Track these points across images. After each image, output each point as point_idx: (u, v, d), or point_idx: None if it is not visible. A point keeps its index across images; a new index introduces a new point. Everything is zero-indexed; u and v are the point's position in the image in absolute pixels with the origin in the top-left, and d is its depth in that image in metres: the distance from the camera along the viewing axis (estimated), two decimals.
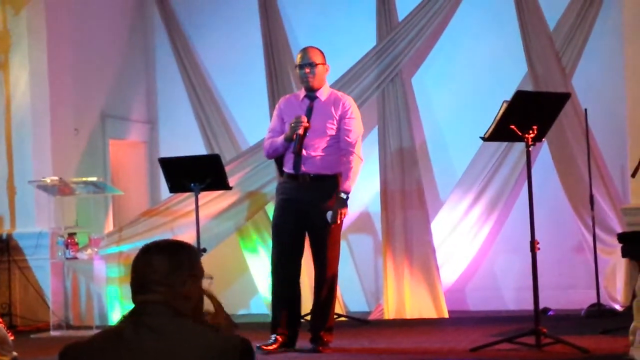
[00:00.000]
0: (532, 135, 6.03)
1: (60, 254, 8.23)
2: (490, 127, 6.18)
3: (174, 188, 8.08)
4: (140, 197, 9.89)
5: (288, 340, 6.21)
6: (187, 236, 8.13)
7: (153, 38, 10.18)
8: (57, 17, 9.13)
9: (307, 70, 6.20)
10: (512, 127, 6.00)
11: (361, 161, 6.25)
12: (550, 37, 8.60)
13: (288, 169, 6.25)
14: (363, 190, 9.13)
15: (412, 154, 8.74)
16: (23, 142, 8.98)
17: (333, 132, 6.17)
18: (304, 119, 6.16)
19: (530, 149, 6.09)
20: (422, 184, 8.68)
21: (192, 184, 7.84)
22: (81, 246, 8.32)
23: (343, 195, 6.08)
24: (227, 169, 8.13)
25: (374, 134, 8.99)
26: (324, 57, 6.34)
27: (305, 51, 6.33)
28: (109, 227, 9.30)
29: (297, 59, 6.37)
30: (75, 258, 8.21)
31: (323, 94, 6.27)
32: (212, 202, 8.72)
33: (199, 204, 7.91)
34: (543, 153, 8.44)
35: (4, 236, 8.86)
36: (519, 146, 7.95)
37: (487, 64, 8.91)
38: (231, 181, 8.18)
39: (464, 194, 8.68)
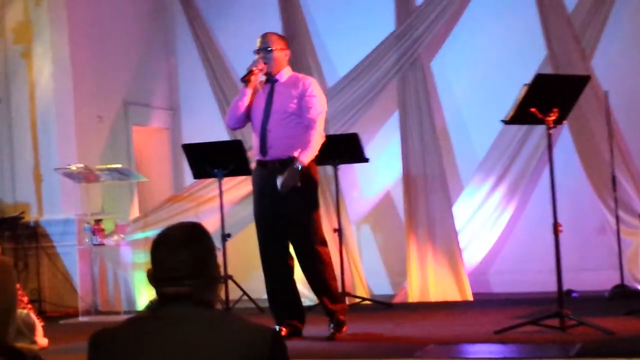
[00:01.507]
0: (552, 117, 6.02)
1: (87, 240, 8.32)
2: (511, 110, 6.19)
3: (197, 174, 8.16)
4: (164, 183, 9.99)
5: (292, 331, 6.15)
6: (212, 221, 8.21)
7: (174, 25, 10.25)
8: (78, 6, 9.21)
9: (262, 55, 6.15)
10: (533, 110, 6.01)
11: (322, 138, 6.11)
12: (569, 19, 8.59)
13: (256, 154, 6.19)
14: (385, 175, 9.22)
15: (433, 138, 8.77)
16: (48, 131, 9.08)
17: (295, 112, 6.06)
18: (261, 61, 6.10)
19: (551, 131, 6.09)
20: (444, 168, 8.72)
21: (216, 170, 7.92)
22: (107, 232, 8.42)
23: (298, 166, 5.95)
24: (249, 154, 8.19)
25: (395, 118, 9.03)
26: (283, 42, 6.24)
27: (262, 37, 6.24)
28: (135, 213, 9.39)
29: (256, 44, 6.25)
30: (102, 244, 8.30)
31: (283, 76, 6.20)
32: (236, 187, 8.80)
33: (223, 189, 8.00)
34: (564, 135, 8.45)
35: (32, 223, 8.98)
36: (540, 129, 7.92)
37: (506, 46, 8.92)
38: (253, 166, 8.24)
39: (486, 177, 8.71)
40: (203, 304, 2.64)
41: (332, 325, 6.17)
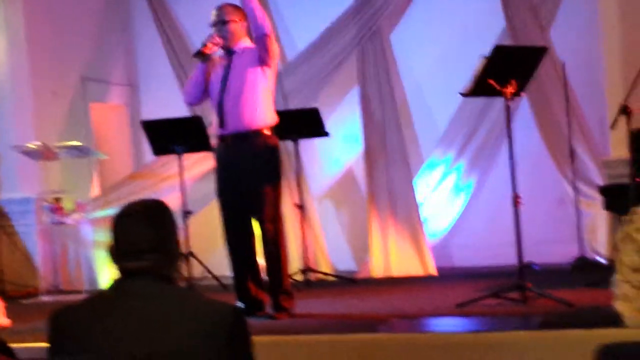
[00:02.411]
0: (511, 89, 6.05)
1: (46, 219, 8.25)
2: (470, 82, 6.21)
3: (157, 150, 8.11)
4: (125, 160, 9.91)
5: (254, 307, 6.07)
6: (173, 198, 8.17)
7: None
8: None
9: (218, 28, 6.05)
10: (491, 81, 6.03)
11: (269, 30, 5.92)
12: None
13: (216, 130, 6.12)
14: (346, 150, 9.22)
15: (393, 111, 8.77)
16: (3, 108, 8.95)
17: (254, 78, 5.96)
18: (216, 35, 6.02)
19: (509, 103, 6.11)
20: (405, 142, 8.74)
21: (175, 146, 7.87)
22: (67, 211, 8.36)
23: None
24: (209, 130, 8.14)
25: (355, 93, 9.02)
26: (240, 13, 6.08)
27: (217, 9, 6.11)
28: (95, 191, 9.32)
29: (211, 16, 6.12)
30: (62, 223, 8.25)
31: (241, 48, 6.08)
32: (197, 163, 8.75)
33: (183, 165, 7.96)
34: (524, 108, 8.50)
35: None
36: (500, 101, 7.94)
37: (465, 18, 8.93)
38: (214, 142, 8.20)
39: (446, 150, 8.75)
40: (164, 279, 2.66)
41: (273, 308, 6.07)
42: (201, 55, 6.07)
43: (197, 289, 7.51)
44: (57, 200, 8.25)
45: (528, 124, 8.46)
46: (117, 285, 2.68)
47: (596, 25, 8.47)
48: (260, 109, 5.98)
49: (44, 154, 8.30)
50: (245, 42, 6.11)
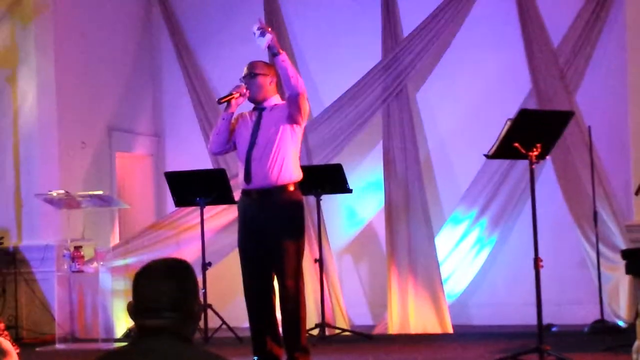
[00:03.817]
0: (535, 153, 6.04)
1: (66, 266, 8.24)
2: (494, 144, 6.19)
3: (179, 202, 8.12)
4: (147, 210, 9.93)
5: None
6: (193, 249, 8.16)
7: (160, 51, 10.24)
8: (65, 31, 9.19)
9: (247, 81, 6.08)
10: (516, 145, 6.01)
11: (303, 91, 5.90)
12: (554, 53, 8.63)
13: (241, 183, 6.09)
14: (368, 205, 9.19)
15: (417, 169, 8.76)
16: (30, 156, 9.02)
17: (283, 136, 5.94)
18: (243, 86, 6.04)
19: (533, 166, 6.10)
20: (427, 199, 8.71)
21: (198, 198, 7.88)
22: (87, 259, 8.35)
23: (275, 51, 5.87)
24: (232, 182, 8.15)
25: (379, 149, 9.02)
26: (269, 68, 6.11)
27: (249, 64, 6.15)
28: (115, 240, 9.32)
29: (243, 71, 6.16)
30: (81, 271, 8.23)
31: (271, 104, 6.08)
32: (218, 215, 8.76)
33: (205, 217, 7.95)
34: (547, 169, 8.46)
35: (11, 249, 8.90)
36: (523, 162, 7.93)
37: (491, 79, 8.93)
38: (237, 195, 8.20)
39: (468, 208, 8.70)
40: (182, 339, 2.62)
41: None
42: (225, 102, 6.09)
43: (213, 342, 7.46)
44: (77, 248, 8.24)
45: (551, 183, 8.41)
46: (135, 342, 2.65)
47: (622, 89, 8.46)
48: (287, 166, 5.97)
49: (66, 203, 8.32)
50: (276, 99, 6.14)
